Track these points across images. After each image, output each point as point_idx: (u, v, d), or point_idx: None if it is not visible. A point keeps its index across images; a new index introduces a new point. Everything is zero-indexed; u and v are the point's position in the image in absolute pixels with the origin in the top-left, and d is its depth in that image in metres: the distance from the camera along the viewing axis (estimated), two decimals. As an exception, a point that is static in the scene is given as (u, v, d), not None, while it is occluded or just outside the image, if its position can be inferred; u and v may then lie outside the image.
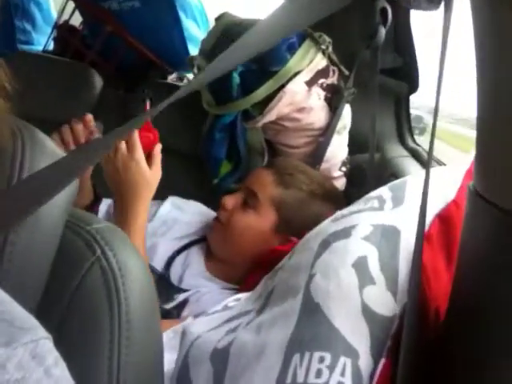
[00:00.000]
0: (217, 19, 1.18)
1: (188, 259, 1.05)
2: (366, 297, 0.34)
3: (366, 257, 0.38)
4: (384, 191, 0.48)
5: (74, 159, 0.29)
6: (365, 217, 0.43)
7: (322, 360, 0.31)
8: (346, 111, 1.15)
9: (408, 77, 1.17)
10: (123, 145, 0.90)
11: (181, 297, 0.97)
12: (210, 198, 1.15)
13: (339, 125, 1.14)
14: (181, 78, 1.62)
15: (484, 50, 0.28)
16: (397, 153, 1.17)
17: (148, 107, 1.01)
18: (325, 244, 0.42)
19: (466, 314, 0.31)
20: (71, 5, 1.51)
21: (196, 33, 1.51)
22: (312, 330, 0.33)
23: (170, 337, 0.68)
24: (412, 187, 0.44)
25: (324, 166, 1.16)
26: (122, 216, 0.90)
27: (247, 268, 0.99)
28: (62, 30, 1.50)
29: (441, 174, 0.50)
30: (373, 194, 0.49)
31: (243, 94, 1.08)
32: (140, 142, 0.91)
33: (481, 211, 0.29)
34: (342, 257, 0.38)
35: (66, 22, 1.51)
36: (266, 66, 1.05)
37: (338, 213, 0.48)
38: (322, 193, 0.99)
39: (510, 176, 0.26)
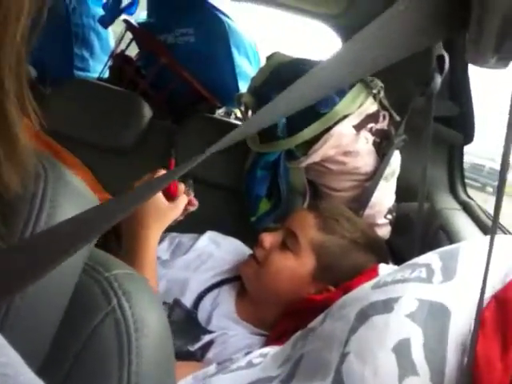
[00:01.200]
0: (268, 58, 1.17)
1: (218, 298, 1.01)
2: (406, 391, 0.29)
3: (410, 340, 0.33)
4: (433, 259, 0.43)
5: (105, 209, 0.26)
6: (410, 289, 0.38)
7: None
8: (395, 158, 1.10)
9: (463, 126, 1.11)
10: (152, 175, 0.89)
11: (206, 338, 0.93)
12: (248, 235, 1.12)
13: (387, 171, 1.09)
14: (228, 113, 1.63)
15: None
16: (447, 204, 1.11)
17: (173, 165, 0.97)
18: (362, 317, 0.37)
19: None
20: (129, 36, 1.56)
21: (247, 70, 1.52)
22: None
23: (189, 383, 0.64)
24: (466, 257, 0.38)
25: (369, 212, 1.11)
26: (130, 251, 0.86)
27: (278, 313, 0.94)
28: (118, 60, 1.55)
29: (502, 244, 0.45)
30: (420, 260, 0.44)
31: (288, 134, 1.06)
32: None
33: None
34: (381, 337, 0.33)
35: (123, 51, 1.56)
36: (313, 108, 1.03)
37: (381, 278, 0.44)
38: (364, 242, 0.94)
39: None
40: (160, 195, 0.89)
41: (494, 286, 0.37)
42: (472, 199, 1.14)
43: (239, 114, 1.66)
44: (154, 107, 1.40)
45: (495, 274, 0.39)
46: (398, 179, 1.14)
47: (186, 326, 0.98)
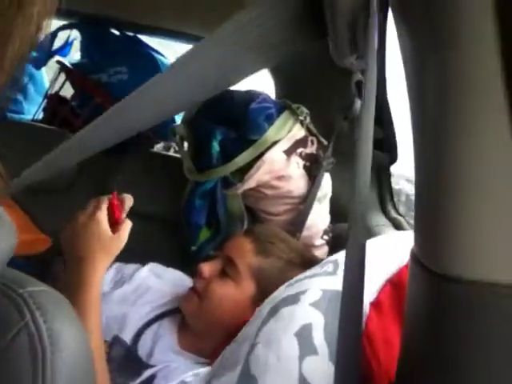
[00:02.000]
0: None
1: (159, 332, 0.99)
2: (305, 369, 0.31)
3: (311, 324, 0.35)
4: (340, 255, 0.46)
5: None
6: (317, 281, 0.41)
7: None
8: (326, 180, 1.15)
9: (388, 148, 1.19)
10: (92, 207, 0.87)
11: (148, 372, 0.91)
12: (191, 265, 1.12)
13: (319, 193, 1.14)
14: (167, 148, 1.65)
15: (418, 116, 0.27)
16: (378, 222, 1.16)
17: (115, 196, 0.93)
18: (273, 311, 0.39)
19: (410, 380, 0.28)
20: (63, 77, 1.57)
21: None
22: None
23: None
24: (368, 251, 0.41)
25: (305, 233, 1.14)
26: (72, 284, 0.81)
27: (220, 341, 0.93)
28: (53, 100, 1.55)
29: (400, 239, 0.49)
30: (330, 258, 0.47)
31: (223, 162, 1.09)
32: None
33: (418, 275, 0.28)
34: (286, 324, 0.35)
35: (57, 92, 1.56)
36: (245, 135, 1.07)
37: (297, 277, 0.46)
38: (300, 261, 0.96)
39: (440, 240, 0.25)
40: (105, 226, 0.85)
41: (388, 273, 0.40)
42: (402, 216, 1.20)
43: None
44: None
45: (391, 263, 0.42)
46: (332, 201, 1.18)
47: (126, 363, 0.95)
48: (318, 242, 1.18)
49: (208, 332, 0.94)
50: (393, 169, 1.24)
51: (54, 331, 0.38)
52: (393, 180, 1.28)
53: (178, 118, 1.47)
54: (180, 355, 0.94)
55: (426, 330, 0.27)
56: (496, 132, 0.21)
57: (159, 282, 1.09)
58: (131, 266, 1.14)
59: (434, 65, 0.22)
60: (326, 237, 1.19)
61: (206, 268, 0.93)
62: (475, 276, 0.21)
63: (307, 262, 0.98)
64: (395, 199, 1.28)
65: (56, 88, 1.57)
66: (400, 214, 1.22)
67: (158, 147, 1.63)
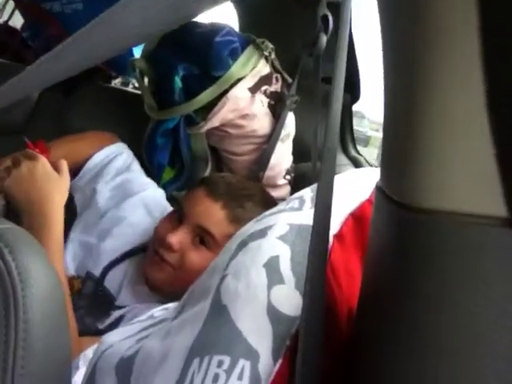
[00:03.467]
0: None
1: (129, 269, 0.98)
2: (273, 297, 0.33)
3: (278, 256, 0.36)
4: (306, 191, 0.47)
5: None
6: (283, 217, 0.42)
7: (220, 364, 0.29)
8: (290, 119, 1.15)
9: (350, 86, 1.19)
10: (26, 153, 0.87)
11: (116, 314, 0.91)
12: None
13: (283, 133, 1.14)
14: (125, 83, 1.59)
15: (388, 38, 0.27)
16: (339, 161, 1.18)
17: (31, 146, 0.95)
18: (242, 244, 0.40)
19: (371, 309, 0.30)
20: (11, 5, 1.45)
21: (142, 37, 1.48)
22: (215, 332, 0.31)
23: (88, 357, 0.64)
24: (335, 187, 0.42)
25: (268, 173, 1.15)
26: (34, 228, 0.82)
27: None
28: (1, 32, 1.44)
29: (364, 174, 0.50)
30: (296, 194, 0.48)
31: (186, 99, 1.06)
32: None
33: (382, 206, 0.29)
34: (254, 257, 0.37)
35: (5, 22, 1.45)
36: (208, 71, 1.04)
37: (263, 214, 0.47)
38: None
39: (404, 170, 0.26)
40: (50, 167, 0.88)
41: (351, 207, 0.42)
42: (361, 155, 1.23)
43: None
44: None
45: (354, 197, 0.44)
46: (294, 141, 1.19)
47: (96, 300, 0.95)
48: (281, 181, 1.19)
49: (180, 289, 0.93)
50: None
51: (23, 268, 0.38)
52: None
53: (137, 52, 1.40)
54: (148, 296, 0.94)
55: (387, 259, 0.28)
56: (466, 67, 0.22)
57: (145, 218, 1.05)
58: (136, 182, 1.10)
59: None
60: (288, 176, 1.20)
61: (175, 240, 0.87)
62: (436, 205, 0.23)
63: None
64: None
65: (5, 18, 1.46)
66: (360, 154, 1.24)
67: (116, 82, 1.56)
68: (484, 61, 0.20)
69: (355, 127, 1.32)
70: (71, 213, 1.04)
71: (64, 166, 0.90)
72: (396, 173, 0.27)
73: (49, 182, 0.87)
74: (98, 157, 1.11)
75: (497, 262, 0.20)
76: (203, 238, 0.88)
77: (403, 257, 0.26)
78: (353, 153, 1.22)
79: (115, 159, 1.12)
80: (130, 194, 1.07)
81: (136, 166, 1.15)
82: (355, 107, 1.23)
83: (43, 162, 0.87)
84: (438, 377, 0.24)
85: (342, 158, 1.20)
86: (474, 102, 0.21)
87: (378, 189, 0.30)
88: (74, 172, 1.07)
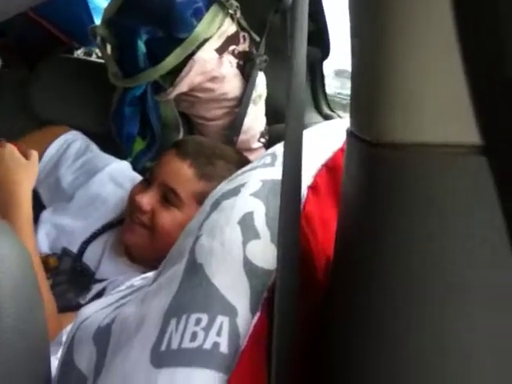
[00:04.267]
0: (119, -14, 1.10)
1: (106, 243, 0.98)
2: (248, 252, 0.32)
3: (253, 212, 0.36)
4: (277, 147, 0.46)
5: None
6: (256, 174, 0.41)
7: (198, 322, 0.28)
8: (261, 80, 1.12)
9: (320, 42, 1.17)
10: None
11: (96, 287, 0.91)
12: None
13: (254, 94, 1.11)
14: (89, 53, 1.53)
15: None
16: (312, 119, 1.17)
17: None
18: (215, 204, 0.39)
19: (346, 253, 0.29)
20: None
21: (102, 3, 1.42)
22: (191, 291, 0.31)
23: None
24: (304, 140, 0.41)
25: (242, 137, 1.14)
26: (2, 208, 0.86)
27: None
28: None
29: (336, 126, 0.49)
30: (268, 150, 0.47)
31: (151, 64, 1.03)
32: None
33: (353, 149, 0.28)
34: (228, 215, 0.36)
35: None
36: (172, 34, 1.00)
37: (236, 173, 0.46)
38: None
39: (373, 108, 0.25)
40: (18, 154, 0.92)
41: (323, 158, 0.41)
42: (335, 112, 1.22)
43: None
44: (2, 57, 1.27)
45: (326, 149, 0.43)
46: (266, 102, 1.17)
47: (75, 276, 0.95)
48: (256, 144, 1.18)
49: (158, 253, 0.93)
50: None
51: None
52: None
53: (98, 19, 1.34)
54: (129, 267, 0.95)
55: (362, 202, 0.28)
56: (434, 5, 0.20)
57: (116, 191, 1.04)
58: (98, 159, 1.10)
59: None
60: (262, 139, 1.19)
61: (145, 200, 0.88)
62: (407, 139, 0.22)
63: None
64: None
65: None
66: (332, 110, 1.23)
67: (78, 53, 1.50)
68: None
69: (340, 90, 1.30)
70: (38, 206, 1.04)
71: (34, 153, 0.94)
72: (366, 112, 0.26)
73: (16, 165, 0.90)
74: (53, 147, 1.11)
75: (472, 191, 0.20)
76: (169, 197, 0.88)
77: (376, 195, 0.26)
78: (326, 110, 1.21)
79: (71, 145, 1.11)
80: (95, 171, 1.06)
81: (94, 147, 1.14)
82: (343, 66, 1.21)
83: (10, 148, 0.92)
84: (411, 320, 0.24)
85: (314, 116, 1.19)
86: (445, 30, 0.20)
87: (349, 133, 0.29)
88: None
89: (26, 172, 0.91)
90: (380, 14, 0.22)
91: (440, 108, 0.20)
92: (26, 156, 0.93)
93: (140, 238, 0.90)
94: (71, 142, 1.12)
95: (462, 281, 0.22)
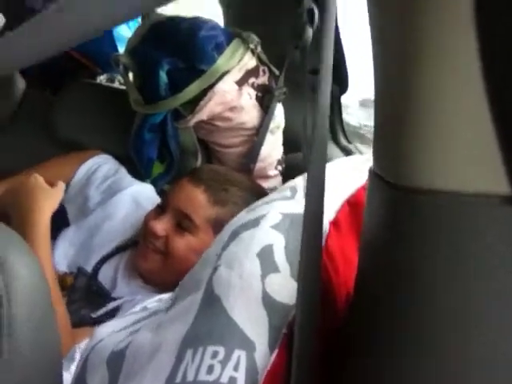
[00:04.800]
0: (143, 18, 1.15)
1: (121, 264, 0.99)
2: (267, 285, 0.32)
3: (272, 245, 0.36)
4: (298, 181, 0.46)
5: None
6: (276, 206, 0.41)
7: (215, 355, 0.28)
8: (279, 111, 1.14)
9: (338, 77, 1.18)
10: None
11: (111, 305, 0.91)
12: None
13: (272, 124, 1.13)
14: (111, 80, 1.56)
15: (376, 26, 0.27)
16: (330, 151, 1.18)
17: None
18: (234, 235, 0.39)
19: (368, 292, 0.29)
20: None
21: (126, 33, 1.47)
22: (209, 323, 0.31)
23: (82, 349, 0.63)
24: (326, 175, 0.42)
25: (259, 165, 1.15)
26: (21, 225, 0.88)
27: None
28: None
29: (358, 161, 0.50)
30: (288, 184, 0.48)
31: (172, 93, 1.05)
32: None
33: (376, 189, 0.28)
34: (247, 247, 0.36)
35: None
36: (193, 65, 1.03)
37: (255, 204, 0.46)
38: (256, 199, 0.96)
39: (400, 151, 0.25)
40: (42, 180, 0.95)
41: (346, 194, 0.41)
42: (351, 143, 1.23)
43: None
44: (27, 78, 1.31)
45: (349, 184, 0.44)
46: (284, 132, 1.18)
47: (90, 294, 0.95)
48: (272, 172, 1.19)
49: (172, 278, 0.93)
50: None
51: (6, 261, 0.37)
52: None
53: (122, 48, 1.39)
54: (143, 289, 0.95)
55: (383, 242, 0.28)
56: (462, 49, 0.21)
57: (135, 211, 1.05)
58: (124, 181, 1.11)
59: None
60: (279, 167, 1.20)
61: (159, 226, 0.89)
62: (434, 185, 0.22)
63: (262, 195, 0.99)
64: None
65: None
66: (350, 142, 1.24)
67: (101, 79, 1.54)
68: (477, 24, 0.19)
69: (366, 121, 1.31)
70: (63, 223, 1.07)
71: (60, 183, 0.97)
72: (390, 154, 0.26)
73: (39, 191, 0.93)
74: (84, 167, 1.13)
75: (499, 241, 0.20)
76: (185, 224, 0.89)
77: (398, 238, 0.26)
78: (344, 142, 1.22)
79: (101, 167, 1.14)
80: (118, 190, 1.08)
81: (123, 170, 1.16)
82: (365, 95, 1.22)
83: (36, 176, 0.95)
84: (438, 368, 0.24)
85: (333, 149, 1.20)
86: (473, 81, 0.21)
87: (372, 173, 0.29)
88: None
89: (50, 196, 0.94)
90: (406, 59, 0.22)
91: (469, 157, 0.20)
92: (52, 185, 0.96)
93: (153, 264, 0.91)
94: (101, 164, 1.14)
95: (490, 319, 0.21)
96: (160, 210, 0.92)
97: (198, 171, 0.96)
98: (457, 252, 0.22)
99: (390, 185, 0.26)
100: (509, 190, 0.20)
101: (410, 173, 0.23)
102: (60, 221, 1.03)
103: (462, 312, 0.22)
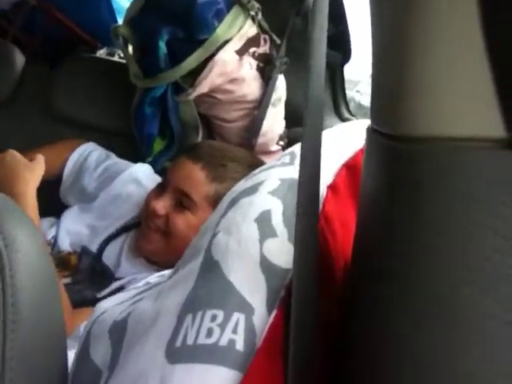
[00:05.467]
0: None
1: (125, 244, 0.99)
2: (265, 250, 0.32)
3: (270, 211, 0.35)
4: (296, 147, 0.45)
5: None
6: (274, 172, 0.41)
7: (214, 318, 0.28)
8: (280, 82, 1.12)
9: (341, 46, 1.16)
10: None
11: (115, 284, 0.92)
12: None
13: (274, 97, 1.11)
14: (111, 54, 1.55)
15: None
16: (332, 124, 1.16)
17: None
18: (232, 202, 0.39)
19: (366, 254, 0.29)
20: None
21: (126, 4, 1.44)
22: (208, 288, 0.31)
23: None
24: (324, 140, 0.41)
25: (261, 140, 1.14)
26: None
27: None
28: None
29: (356, 126, 0.49)
30: (287, 150, 0.47)
31: (172, 65, 1.04)
32: None
33: (373, 145, 0.28)
34: (245, 212, 0.36)
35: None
36: (193, 35, 1.01)
37: (252, 172, 0.46)
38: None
39: (393, 101, 0.24)
40: (21, 156, 0.95)
41: (343, 158, 0.40)
42: (354, 116, 1.21)
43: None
44: (26, 54, 1.30)
45: (346, 148, 0.43)
46: (286, 105, 1.16)
47: (94, 274, 0.96)
48: (274, 147, 1.18)
49: (174, 256, 0.93)
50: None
51: (6, 233, 0.37)
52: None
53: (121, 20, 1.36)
54: (146, 267, 0.95)
55: (382, 199, 0.27)
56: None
57: (137, 190, 1.05)
58: (120, 164, 1.11)
59: None
60: (281, 142, 1.18)
61: (159, 205, 0.89)
62: (430, 132, 0.21)
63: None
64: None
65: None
66: (352, 115, 1.22)
67: (101, 53, 1.52)
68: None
69: None
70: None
71: (39, 156, 0.96)
72: (386, 105, 0.26)
73: (19, 165, 0.92)
74: (73, 157, 1.13)
75: (496, 185, 0.19)
76: (183, 201, 0.89)
77: (397, 190, 0.25)
78: (346, 114, 1.21)
79: (90, 154, 1.13)
80: (118, 173, 1.08)
81: (113, 155, 1.15)
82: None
83: (13, 152, 0.95)
84: (434, 322, 0.23)
85: (334, 120, 1.18)
86: (469, 21, 0.20)
87: (369, 129, 0.28)
88: (57, 179, 1.12)
89: (32, 169, 0.93)
90: (401, 1, 0.21)
91: (464, 101, 0.20)
92: (32, 158, 0.95)
93: (155, 244, 0.92)
94: (90, 152, 1.13)
95: (492, 279, 0.21)
96: (161, 189, 0.92)
97: (197, 147, 0.95)
98: (455, 198, 0.21)
99: (388, 136, 0.25)
100: (504, 133, 0.19)
101: (404, 121, 0.23)
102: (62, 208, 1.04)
103: (464, 263, 0.22)
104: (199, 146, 0.98)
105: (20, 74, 1.25)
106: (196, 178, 0.89)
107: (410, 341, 0.24)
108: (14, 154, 0.94)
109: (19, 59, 1.27)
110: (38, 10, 1.38)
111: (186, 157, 0.92)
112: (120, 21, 1.40)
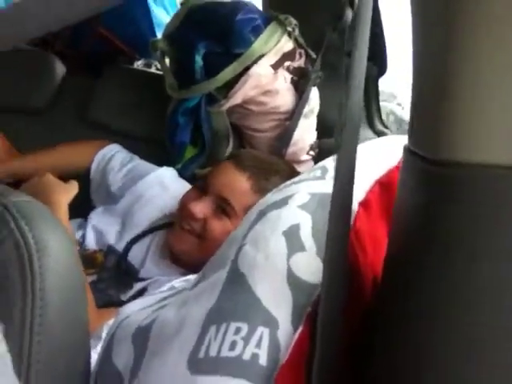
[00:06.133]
0: (182, 4, 1.15)
1: (151, 245, 1.00)
2: (293, 264, 0.31)
3: (299, 225, 0.35)
4: (329, 161, 0.45)
5: None
6: (304, 186, 0.40)
7: (238, 331, 0.28)
8: (314, 95, 1.12)
9: (376, 59, 1.15)
10: None
11: (138, 286, 0.93)
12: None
13: (306, 108, 1.11)
14: (148, 65, 1.58)
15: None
16: (365, 136, 1.15)
17: None
18: (260, 215, 0.39)
19: (395, 278, 0.28)
20: None
21: (165, 20, 1.48)
22: (233, 300, 0.30)
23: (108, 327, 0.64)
24: (359, 155, 0.41)
25: (291, 149, 1.14)
26: None
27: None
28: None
29: (392, 142, 0.48)
30: (318, 164, 0.47)
31: (207, 77, 1.05)
32: None
33: (410, 166, 0.27)
34: (273, 226, 0.35)
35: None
36: (229, 49, 1.02)
37: (282, 184, 0.46)
38: None
39: (433, 124, 0.24)
40: (54, 178, 0.98)
41: (377, 175, 0.40)
42: (388, 128, 1.20)
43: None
44: (70, 66, 1.35)
45: (381, 165, 0.42)
46: (318, 116, 1.16)
47: (119, 273, 0.97)
48: (304, 157, 1.18)
49: (203, 259, 0.93)
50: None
51: (39, 238, 0.38)
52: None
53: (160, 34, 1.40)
54: (171, 269, 0.96)
55: (417, 221, 0.26)
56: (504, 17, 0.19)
57: (162, 193, 1.07)
58: (144, 166, 1.13)
59: None
60: (311, 152, 1.18)
61: (199, 209, 0.89)
62: (471, 158, 0.21)
63: None
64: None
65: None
66: (386, 127, 1.21)
67: (139, 64, 1.56)
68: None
69: None
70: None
71: (73, 182, 0.99)
72: (427, 129, 0.25)
73: (53, 184, 0.96)
74: (100, 155, 1.15)
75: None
76: (225, 209, 0.89)
77: (433, 214, 0.24)
78: (379, 127, 1.19)
79: (115, 156, 1.15)
80: (143, 175, 1.09)
81: (136, 158, 1.17)
82: None
83: (47, 174, 0.98)
84: (464, 348, 0.23)
85: (368, 133, 1.17)
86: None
87: (407, 150, 0.28)
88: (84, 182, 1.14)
89: (65, 188, 0.96)
90: (447, 24, 0.21)
91: (508, 128, 0.19)
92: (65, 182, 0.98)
93: (188, 245, 0.92)
94: (116, 152, 1.16)
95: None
96: (199, 192, 0.93)
97: (242, 157, 0.95)
98: (495, 227, 0.20)
99: (426, 160, 0.25)
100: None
101: (448, 146, 0.22)
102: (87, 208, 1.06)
103: (499, 289, 0.21)
104: (245, 155, 0.97)
105: (60, 83, 1.29)
106: (241, 187, 0.89)
107: (438, 356, 0.24)
108: (50, 175, 0.98)
109: (59, 69, 1.31)
110: (82, 25, 1.43)
111: (231, 164, 0.92)
112: (159, 34, 1.44)
